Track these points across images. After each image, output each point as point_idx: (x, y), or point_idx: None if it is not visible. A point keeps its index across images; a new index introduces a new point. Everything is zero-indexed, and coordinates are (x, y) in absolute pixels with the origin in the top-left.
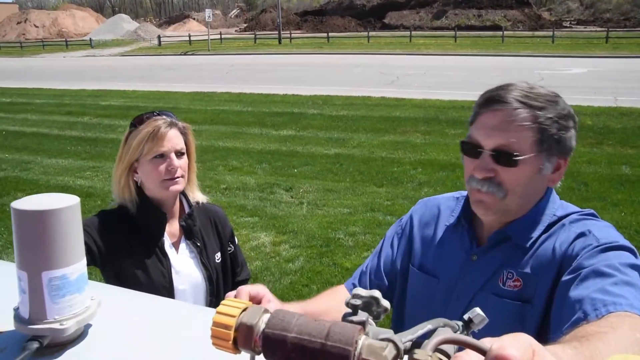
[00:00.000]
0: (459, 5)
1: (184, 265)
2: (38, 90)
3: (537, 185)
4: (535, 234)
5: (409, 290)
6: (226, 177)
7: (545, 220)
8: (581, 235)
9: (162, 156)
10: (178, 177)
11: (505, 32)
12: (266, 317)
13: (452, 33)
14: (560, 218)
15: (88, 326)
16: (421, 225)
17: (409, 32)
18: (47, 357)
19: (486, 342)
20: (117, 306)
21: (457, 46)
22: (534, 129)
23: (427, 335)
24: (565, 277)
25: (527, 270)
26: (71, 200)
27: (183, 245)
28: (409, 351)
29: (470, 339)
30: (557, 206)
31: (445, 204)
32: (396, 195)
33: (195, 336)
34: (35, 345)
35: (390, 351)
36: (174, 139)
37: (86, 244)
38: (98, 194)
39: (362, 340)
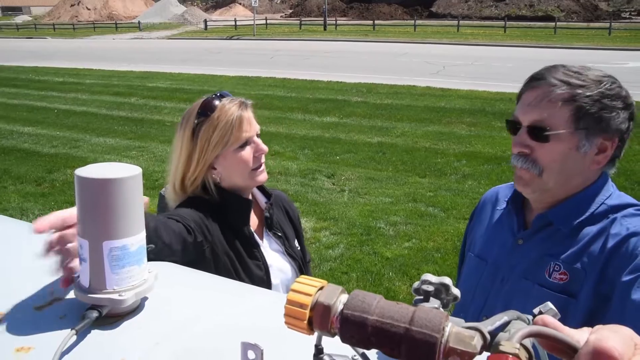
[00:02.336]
0: None
1: (272, 258)
2: (88, 71)
3: (577, 165)
4: (578, 220)
5: (462, 273)
6: (268, 162)
7: (592, 207)
8: (635, 233)
9: (246, 143)
10: (263, 163)
11: (558, 23)
12: (344, 297)
13: (501, 23)
14: (612, 208)
15: (144, 299)
16: (481, 212)
17: (456, 22)
18: (104, 327)
19: (575, 336)
20: (172, 281)
21: (506, 37)
22: (570, 105)
23: (502, 327)
24: (624, 278)
25: (576, 265)
26: (134, 170)
27: (266, 237)
28: (490, 342)
29: (558, 334)
30: (610, 195)
31: (504, 192)
32: (439, 186)
33: (248, 314)
34: (95, 314)
35: (478, 341)
36: (253, 120)
37: (199, 234)
38: (143, 173)
39: (449, 328)
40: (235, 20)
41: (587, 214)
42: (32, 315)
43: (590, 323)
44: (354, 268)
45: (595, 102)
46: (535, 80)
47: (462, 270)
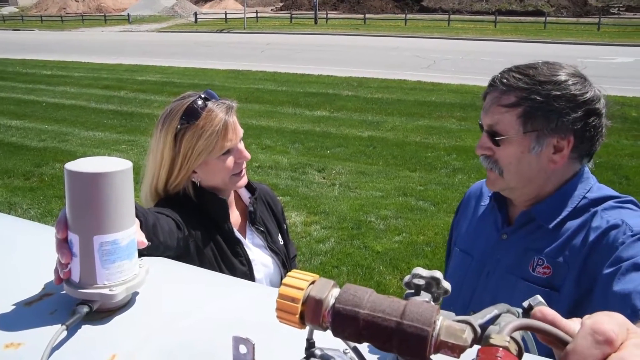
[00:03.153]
0: None
1: (255, 253)
2: (77, 64)
3: (533, 166)
4: (560, 216)
5: (449, 267)
6: (259, 156)
7: (574, 201)
8: (615, 226)
9: (229, 150)
10: (244, 169)
11: (548, 18)
12: (336, 291)
13: (492, 18)
14: (593, 201)
15: (135, 294)
16: (466, 206)
17: (447, 16)
18: (95, 322)
19: (567, 326)
20: (164, 276)
21: (496, 31)
22: (516, 110)
23: (492, 320)
24: (606, 270)
25: (559, 258)
26: (124, 164)
27: (248, 232)
28: (480, 335)
29: (548, 327)
30: (590, 188)
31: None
32: (429, 180)
33: (240, 308)
34: (85, 309)
35: (469, 334)
36: (237, 125)
37: (185, 229)
38: (133, 167)
39: (441, 321)
40: (226, 13)
41: (570, 209)
42: (22, 311)
43: (574, 316)
44: (344, 262)
45: (542, 105)
46: (490, 85)
47: (448, 264)
